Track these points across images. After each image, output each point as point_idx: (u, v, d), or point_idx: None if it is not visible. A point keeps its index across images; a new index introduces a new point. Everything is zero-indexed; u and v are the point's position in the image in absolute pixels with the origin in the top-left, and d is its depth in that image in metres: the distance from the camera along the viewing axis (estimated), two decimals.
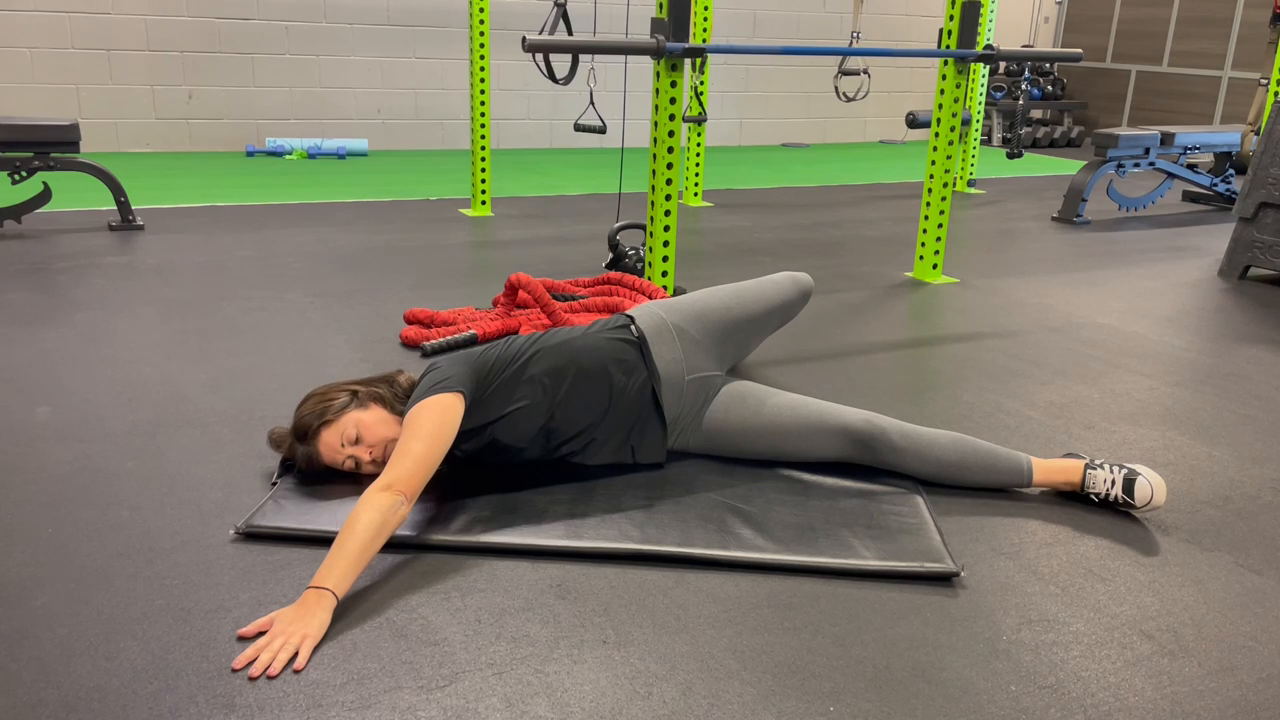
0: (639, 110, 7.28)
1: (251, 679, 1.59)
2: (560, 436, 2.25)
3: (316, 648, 1.68)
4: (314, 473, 2.24)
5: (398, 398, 2.25)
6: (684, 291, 3.91)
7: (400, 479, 1.90)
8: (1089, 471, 2.28)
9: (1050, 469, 2.31)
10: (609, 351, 2.30)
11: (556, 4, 4.45)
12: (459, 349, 3.25)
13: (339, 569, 1.76)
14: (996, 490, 2.35)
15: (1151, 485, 2.20)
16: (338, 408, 2.18)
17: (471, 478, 2.25)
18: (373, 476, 2.16)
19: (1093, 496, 2.28)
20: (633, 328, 2.39)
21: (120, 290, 3.82)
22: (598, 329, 2.39)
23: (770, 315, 2.65)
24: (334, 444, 2.18)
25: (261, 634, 1.70)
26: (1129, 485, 2.22)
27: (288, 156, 7.52)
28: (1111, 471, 2.25)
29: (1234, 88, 9.38)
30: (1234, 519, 2.27)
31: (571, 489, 2.24)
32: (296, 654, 1.64)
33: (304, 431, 2.18)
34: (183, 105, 7.50)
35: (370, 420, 2.18)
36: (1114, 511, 2.27)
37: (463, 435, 2.13)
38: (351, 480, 2.22)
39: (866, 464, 2.35)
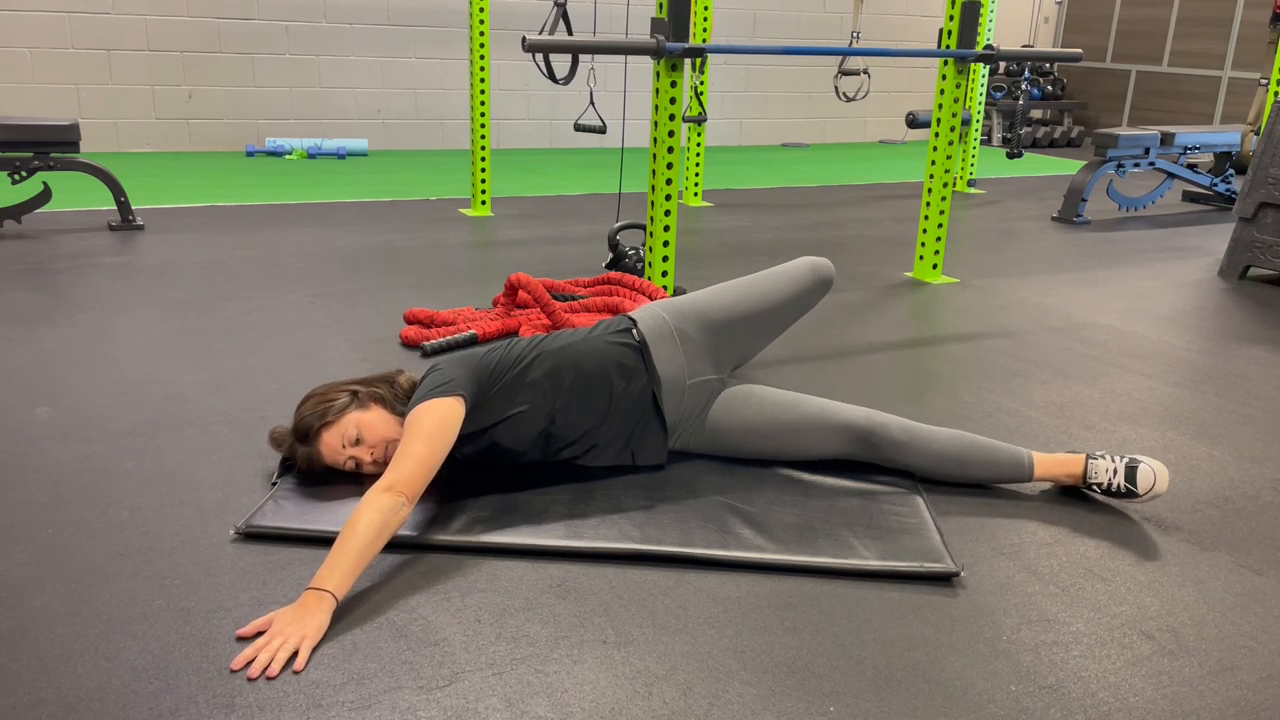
0: (639, 110, 7.28)
1: (250, 680, 1.59)
2: (561, 441, 2.25)
3: (316, 648, 1.68)
4: (315, 473, 2.24)
5: (398, 398, 2.25)
6: (684, 292, 3.91)
7: (401, 480, 1.90)
8: (1090, 462, 2.28)
9: (1052, 463, 2.32)
10: (610, 356, 2.29)
11: (556, 4, 4.45)
12: (459, 349, 3.26)
13: (339, 570, 1.76)
14: (997, 487, 2.35)
15: (1154, 472, 2.20)
16: (338, 408, 2.18)
17: (471, 478, 2.25)
18: (374, 477, 2.15)
19: (1095, 487, 2.28)
20: (634, 331, 2.37)
21: (120, 290, 3.82)
22: (600, 332, 2.38)
23: (782, 309, 2.56)
24: (335, 445, 2.18)
25: (260, 634, 1.70)
26: (1131, 473, 2.22)
27: (288, 156, 7.52)
28: (1113, 461, 2.25)
29: (1234, 88, 9.38)
30: (1234, 519, 2.27)
31: (571, 489, 2.23)
32: (296, 655, 1.64)
33: (304, 432, 2.18)
34: (183, 105, 7.50)
35: (371, 420, 2.18)
36: (1114, 511, 2.27)
37: (463, 439, 2.12)
38: (352, 480, 2.22)
39: (868, 461, 2.35)
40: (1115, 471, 2.25)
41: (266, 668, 1.61)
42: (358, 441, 2.17)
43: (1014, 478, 2.32)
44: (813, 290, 2.62)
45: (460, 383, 2.10)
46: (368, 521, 1.81)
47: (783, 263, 2.66)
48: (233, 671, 1.61)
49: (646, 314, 2.42)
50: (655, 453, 2.33)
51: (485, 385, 2.17)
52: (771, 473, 2.35)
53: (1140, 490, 2.21)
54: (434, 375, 2.15)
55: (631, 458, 2.32)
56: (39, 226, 4.86)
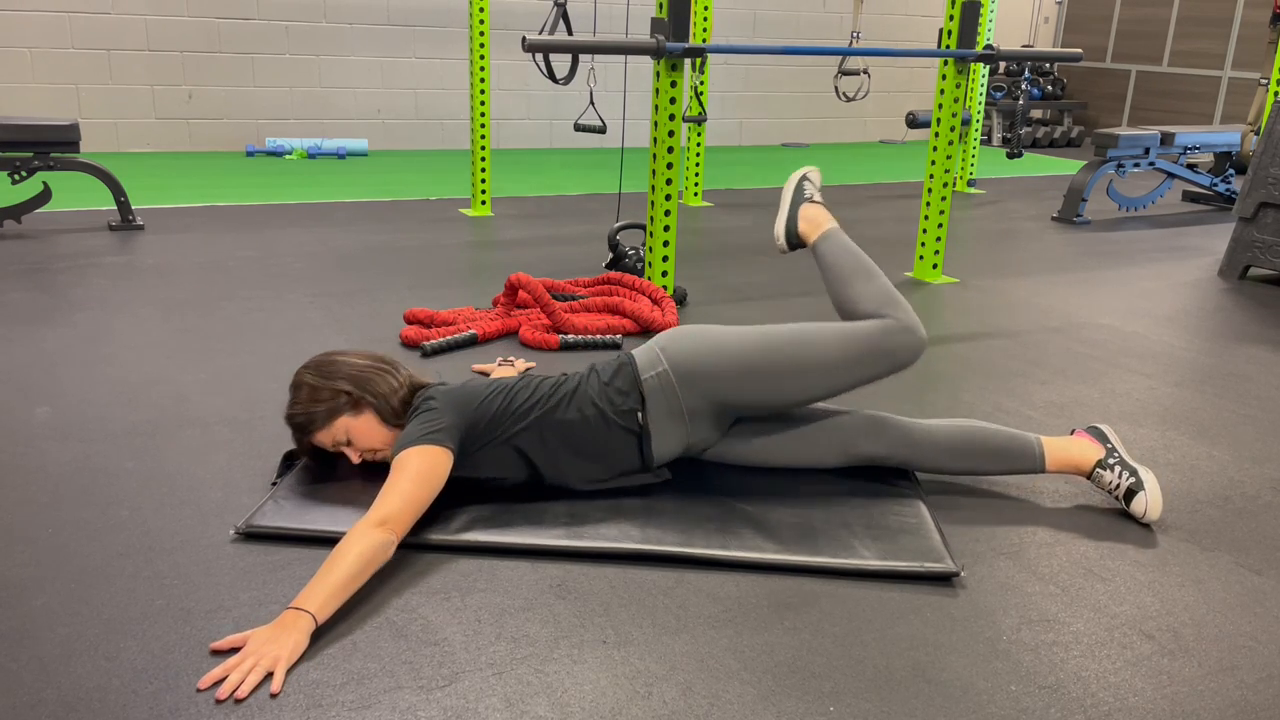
0: (639, 110, 7.28)
1: (218, 701, 1.53)
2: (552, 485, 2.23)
3: (293, 667, 1.62)
4: (313, 470, 2.25)
5: (394, 411, 2.17)
6: (684, 293, 3.91)
7: (392, 517, 1.87)
8: (1097, 471, 2.27)
9: (1063, 461, 2.29)
10: (608, 441, 2.17)
11: (556, 4, 4.45)
12: (459, 349, 3.26)
13: (322, 594, 1.72)
14: (999, 488, 2.35)
15: (1147, 504, 2.20)
16: (330, 413, 2.16)
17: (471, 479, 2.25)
18: (368, 466, 2.18)
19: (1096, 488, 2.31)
20: (640, 415, 2.17)
21: (120, 290, 3.82)
22: (604, 401, 2.16)
23: (825, 393, 2.23)
24: (325, 442, 2.20)
25: (234, 650, 1.65)
26: (1129, 496, 2.23)
27: (288, 156, 7.52)
28: (1119, 477, 2.25)
29: (1234, 88, 9.38)
30: (1234, 519, 2.27)
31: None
32: (270, 676, 1.59)
33: (298, 426, 2.20)
34: (183, 105, 7.50)
35: (362, 428, 2.17)
36: (1114, 511, 2.28)
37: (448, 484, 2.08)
38: (351, 480, 2.22)
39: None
40: (1117, 487, 2.25)
41: (235, 689, 1.55)
42: (348, 443, 2.19)
43: (1026, 470, 2.31)
44: (878, 370, 2.23)
45: (449, 433, 2.05)
46: (357, 553, 1.79)
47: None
48: (199, 690, 1.55)
49: (657, 388, 2.17)
50: (659, 476, 2.31)
51: (475, 438, 2.11)
52: (772, 473, 2.35)
53: (1132, 513, 2.23)
54: (426, 415, 2.07)
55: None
56: (39, 226, 4.87)
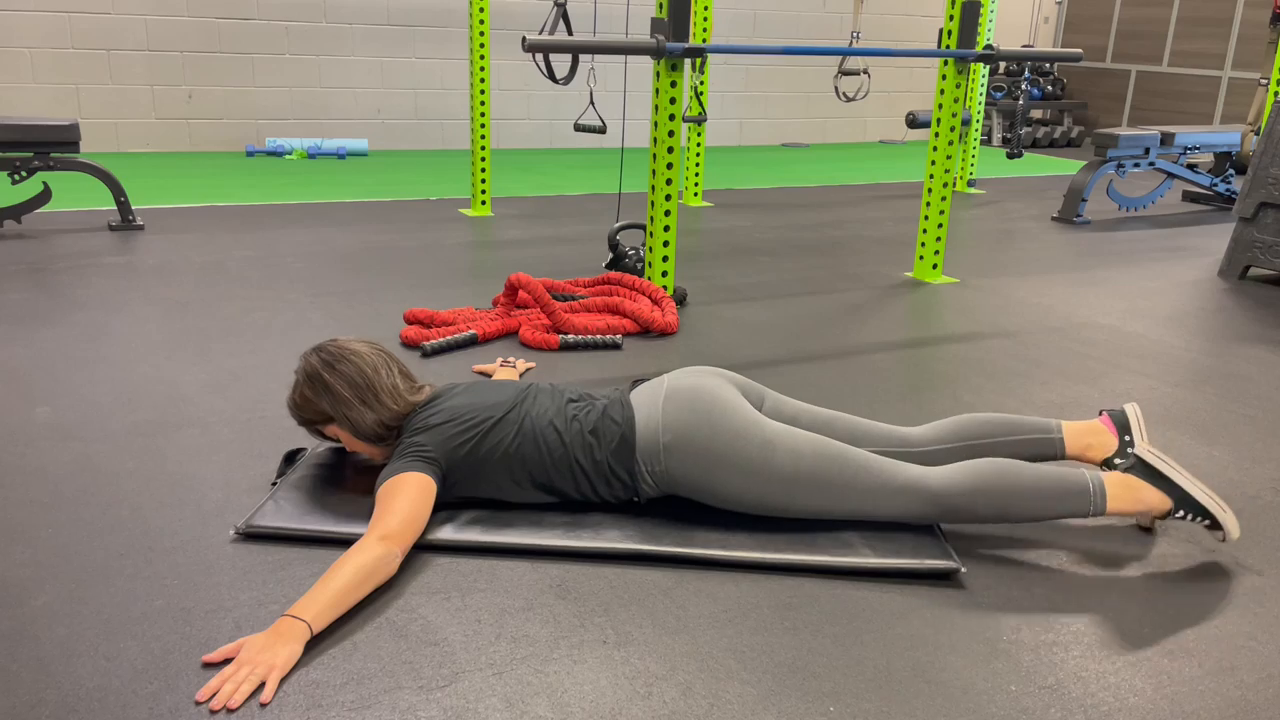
0: (639, 110, 7.28)
1: (212, 712, 1.52)
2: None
3: (285, 678, 1.60)
4: (313, 470, 2.25)
5: (375, 435, 2.14)
6: (684, 293, 3.91)
7: (395, 532, 1.87)
8: (1102, 468, 2.24)
9: (1127, 511, 2.08)
10: (604, 496, 2.15)
11: (556, 4, 4.45)
12: (459, 349, 3.26)
13: (320, 603, 1.71)
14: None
15: (1137, 515, 2.12)
16: (318, 421, 2.19)
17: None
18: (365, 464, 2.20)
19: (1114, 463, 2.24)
20: (633, 499, 2.16)
21: (120, 290, 3.82)
22: (599, 485, 2.12)
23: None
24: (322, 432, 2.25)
25: (228, 661, 1.63)
26: (1166, 515, 2.10)
27: (288, 156, 7.52)
28: (1126, 461, 2.15)
29: (1234, 88, 9.38)
30: None
31: None
32: (263, 685, 1.57)
33: (295, 419, 2.24)
34: (183, 105, 7.50)
35: (345, 436, 2.19)
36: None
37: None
38: (351, 480, 2.22)
39: None
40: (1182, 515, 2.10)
41: (228, 700, 1.53)
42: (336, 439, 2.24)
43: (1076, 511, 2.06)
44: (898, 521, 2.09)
45: (435, 471, 2.04)
46: (357, 564, 1.78)
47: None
48: (197, 703, 1.53)
49: (650, 483, 2.12)
50: None
51: (457, 483, 2.09)
52: None
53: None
54: (414, 453, 2.05)
55: None
56: (39, 226, 4.86)
